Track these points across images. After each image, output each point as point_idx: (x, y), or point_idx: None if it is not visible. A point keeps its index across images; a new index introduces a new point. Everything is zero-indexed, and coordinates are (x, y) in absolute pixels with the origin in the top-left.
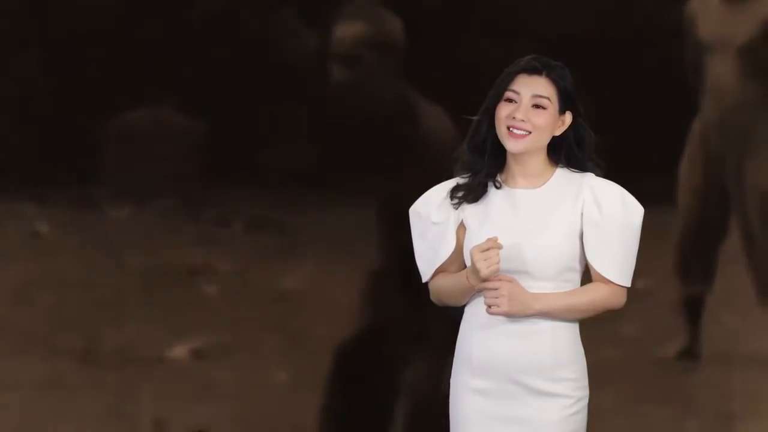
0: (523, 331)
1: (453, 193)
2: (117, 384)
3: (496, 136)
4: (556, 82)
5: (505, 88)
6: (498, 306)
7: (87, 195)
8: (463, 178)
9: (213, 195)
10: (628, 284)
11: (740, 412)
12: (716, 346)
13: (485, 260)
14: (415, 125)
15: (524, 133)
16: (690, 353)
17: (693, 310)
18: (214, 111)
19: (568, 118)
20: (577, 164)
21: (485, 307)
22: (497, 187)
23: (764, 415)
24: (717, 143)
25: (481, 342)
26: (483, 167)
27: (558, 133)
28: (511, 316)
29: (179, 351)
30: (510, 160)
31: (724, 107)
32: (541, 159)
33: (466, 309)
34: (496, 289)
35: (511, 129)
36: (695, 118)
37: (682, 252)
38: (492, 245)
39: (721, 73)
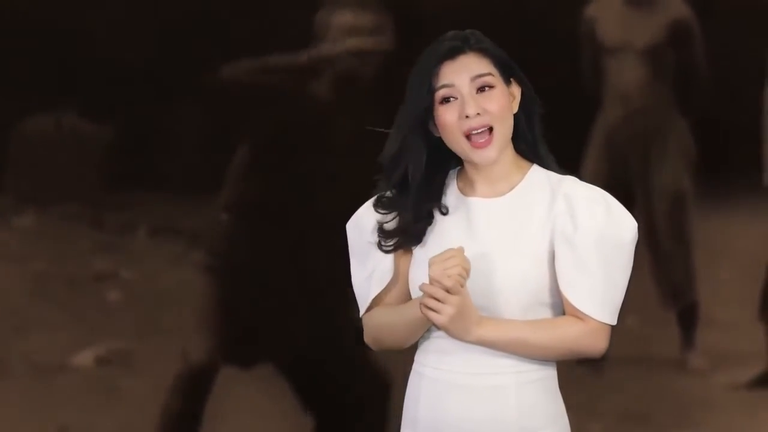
0: (479, 386)
1: (382, 236)
2: (21, 392)
3: (428, 156)
4: (485, 51)
5: (433, 88)
6: (438, 313)
7: None
8: (384, 216)
9: (117, 201)
10: (612, 321)
11: (644, 414)
12: (620, 350)
13: (443, 270)
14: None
15: (485, 132)
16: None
17: None
18: (117, 116)
19: (516, 88)
20: (531, 149)
21: (422, 309)
22: (444, 213)
23: (667, 417)
24: (622, 146)
25: (428, 400)
26: (413, 202)
27: (515, 109)
28: (447, 332)
29: (84, 358)
30: (467, 164)
31: (629, 110)
32: (508, 157)
33: (416, 356)
34: (447, 293)
35: (469, 136)
36: (595, 121)
37: None
38: (453, 253)
39: (625, 76)
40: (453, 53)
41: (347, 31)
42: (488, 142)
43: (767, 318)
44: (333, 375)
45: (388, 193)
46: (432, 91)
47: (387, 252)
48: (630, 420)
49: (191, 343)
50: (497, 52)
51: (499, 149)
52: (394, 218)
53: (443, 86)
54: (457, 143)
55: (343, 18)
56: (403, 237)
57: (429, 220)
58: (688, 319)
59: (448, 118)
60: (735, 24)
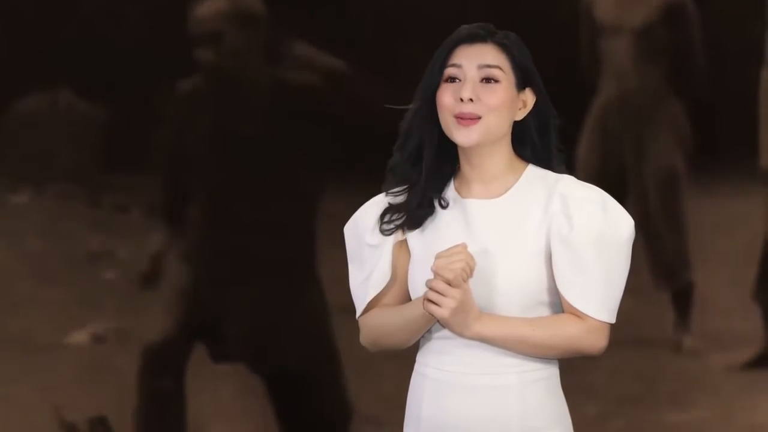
0: (481, 386)
1: (385, 217)
2: (17, 370)
3: (440, 134)
4: (506, 49)
5: (444, 64)
6: (440, 307)
7: None
8: (395, 194)
9: (112, 180)
10: (611, 319)
11: (639, 396)
12: (614, 332)
13: (448, 263)
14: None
15: (475, 118)
16: None
17: None
18: (114, 96)
19: (530, 97)
20: (540, 159)
21: (424, 303)
22: (443, 206)
23: (662, 398)
24: (616, 125)
25: (431, 400)
26: (421, 179)
27: (519, 117)
28: (447, 326)
29: (79, 336)
30: (463, 161)
31: (623, 90)
32: (502, 157)
33: (418, 357)
34: (449, 285)
35: (458, 117)
36: (591, 101)
37: None
38: (459, 249)
39: (619, 56)
40: (472, 39)
41: (200, 22)
42: (472, 124)
43: (762, 299)
44: (304, 388)
45: (401, 167)
46: (443, 67)
47: (387, 234)
48: (625, 402)
49: (155, 325)
50: (519, 56)
51: (481, 136)
52: (402, 194)
53: (452, 65)
54: (445, 122)
55: (197, 10)
56: (405, 217)
57: (430, 209)
58: (682, 300)
59: (445, 96)
60: (731, 5)
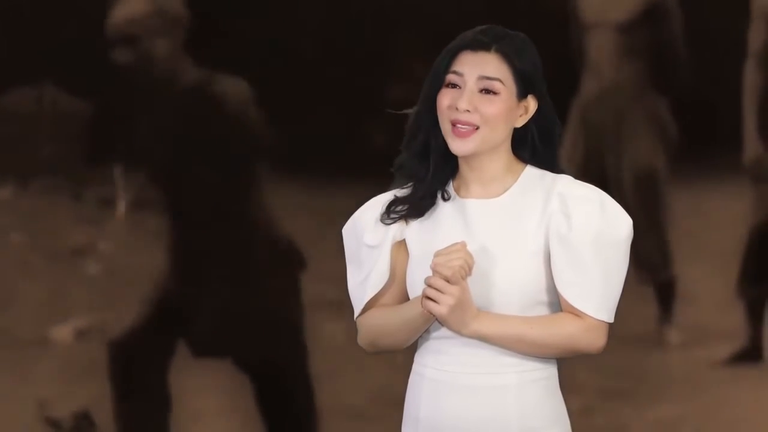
0: (480, 385)
1: (390, 208)
2: (0, 365)
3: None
4: (508, 58)
5: (446, 70)
6: (438, 304)
7: None
8: (402, 189)
9: (96, 175)
10: (609, 319)
11: (622, 390)
12: None
13: (446, 261)
14: (217, 104)
15: (470, 128)
16: None
17: None
18: (97, 90)
19: (532, 104)
20: (543, 163)
21: (422, 300)
22: (445, 199)
23: (645, 392)
24: (596, 121)
25: (429, 400)
26: (428, 174)
27: (520, 124)
28: (445, 323)
29: (62, 331)
30: (461, 162)
31: (603, 86)
32: (501, 161)
33: (416, 357)
34: (447, 282)
35: (455, 125)
36: (574, 97)
37: None
38: (458, 247)
39: (600, 52)
40: (476, 46)
41: (117, 25)
42: (468, 135)
43: (746, 294)
44: (280, 382)
45: (408, 162)
46: (445, 72)
47: (389, 223)
48: (609, 396)
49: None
50: (523, 65)
51: (476, 147)
52: (407, 189)
53: (454, 72)
54: (443, 127)
55: (114, 13)
56: (408, 207)
57: (432, 201)
58: (665, 294)
59: (443, 102)
60: (715, 0)
